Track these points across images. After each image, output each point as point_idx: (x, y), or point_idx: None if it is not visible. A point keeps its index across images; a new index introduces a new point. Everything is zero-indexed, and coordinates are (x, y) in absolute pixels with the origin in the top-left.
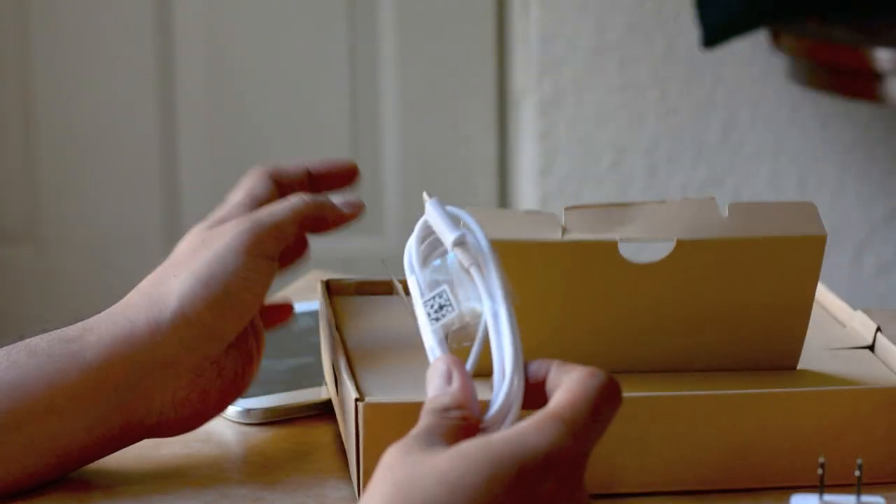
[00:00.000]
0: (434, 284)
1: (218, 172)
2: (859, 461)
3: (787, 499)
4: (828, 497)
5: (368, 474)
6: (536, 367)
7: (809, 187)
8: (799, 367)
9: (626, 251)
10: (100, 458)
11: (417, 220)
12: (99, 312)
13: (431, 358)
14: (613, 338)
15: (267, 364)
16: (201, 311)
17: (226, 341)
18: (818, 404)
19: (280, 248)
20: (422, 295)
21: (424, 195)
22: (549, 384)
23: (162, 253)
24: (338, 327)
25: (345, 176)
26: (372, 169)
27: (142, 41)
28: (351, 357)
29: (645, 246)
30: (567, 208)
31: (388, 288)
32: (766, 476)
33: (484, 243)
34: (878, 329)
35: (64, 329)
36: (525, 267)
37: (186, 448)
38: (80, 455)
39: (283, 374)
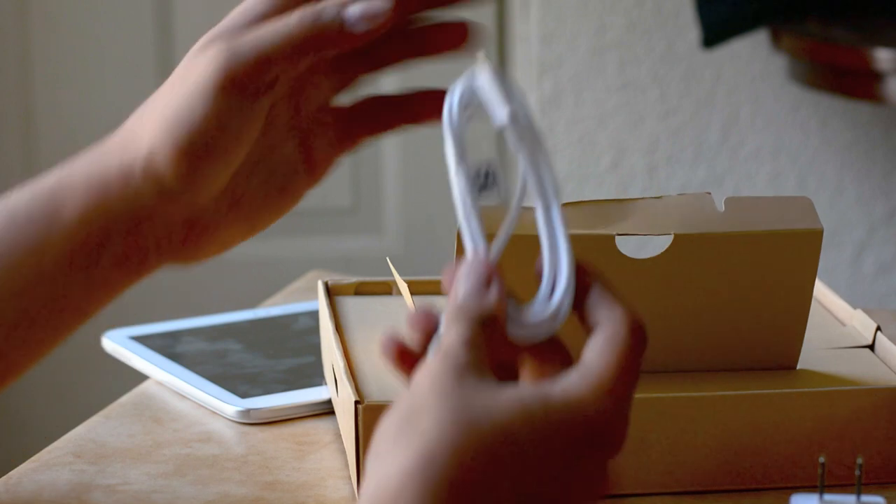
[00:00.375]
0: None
1: None
2: (859, 461)
3: (788, 499)
4: (828, 497)
5: None
6: (581, 275)
7: (809, 187)
8: (799, 366)
9: (624, 246)
10: (110, 300)
11: (418, 220)
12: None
13: (462, 221)
14: None
15: (267, 364)
16: (171, 160)
17: (212, 187)
18: (817, 404)
19: (265, 83)
20: (459, 161)
21: (480, 55)
22: (589, 307)
23: None
24: (337, 328)
25: None
26: (372, 169)
27: (142, 41)
28: (350, 358)
29: (642, 240)
30: (563, 205)
31: (388, 288)
32: (766, 476)
33: (535, 128)
34: (878, 328)
35: (45, 178)
36: (520, 261)
37: (186, 448)
38: (84, 310)
39: (283, 374)
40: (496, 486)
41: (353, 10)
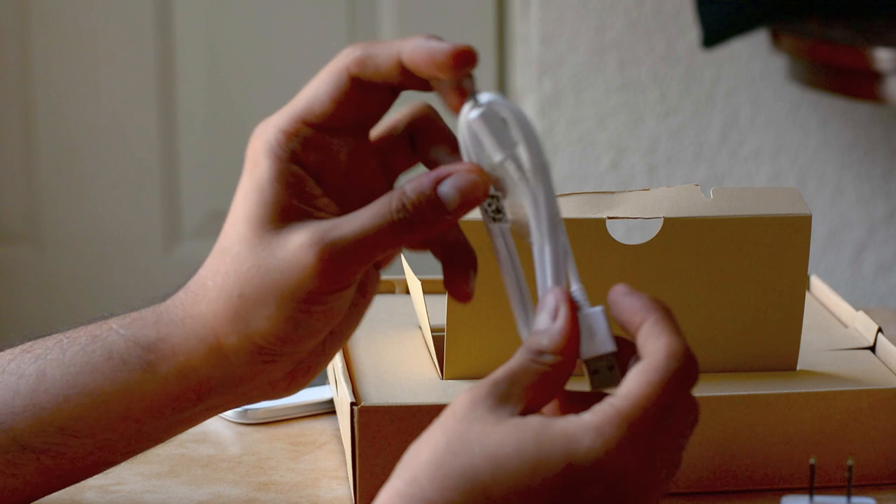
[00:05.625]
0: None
1: (218, 172)
2: (849, 462)
3: (780, 500)
4: (818, 498)
5: (364, 476)
6: (630, 311)
7: (809, 187)
8: (799, 367)
9: (614, 231)
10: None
11: None
12: (99, 313)
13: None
14: None
15: None
16: (271, 340)
17: (306, 348)
18: (814, 405)
19: (362, 270)
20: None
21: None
22: (640, 339)
23: (162, 253)
24: None
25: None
26: None
27: (142, 41)
28: (350, 358)
29: (633, 225)
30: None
31: (390, 286)
32: (763, 478)
33: (542, 164)
34: (880, 330)
35: (141, 323)
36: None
37: (181, 448)
38: (161, 439)
39: None
40: None
41: (451, 185)
